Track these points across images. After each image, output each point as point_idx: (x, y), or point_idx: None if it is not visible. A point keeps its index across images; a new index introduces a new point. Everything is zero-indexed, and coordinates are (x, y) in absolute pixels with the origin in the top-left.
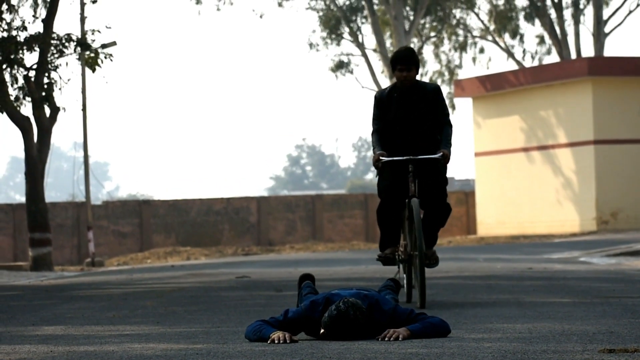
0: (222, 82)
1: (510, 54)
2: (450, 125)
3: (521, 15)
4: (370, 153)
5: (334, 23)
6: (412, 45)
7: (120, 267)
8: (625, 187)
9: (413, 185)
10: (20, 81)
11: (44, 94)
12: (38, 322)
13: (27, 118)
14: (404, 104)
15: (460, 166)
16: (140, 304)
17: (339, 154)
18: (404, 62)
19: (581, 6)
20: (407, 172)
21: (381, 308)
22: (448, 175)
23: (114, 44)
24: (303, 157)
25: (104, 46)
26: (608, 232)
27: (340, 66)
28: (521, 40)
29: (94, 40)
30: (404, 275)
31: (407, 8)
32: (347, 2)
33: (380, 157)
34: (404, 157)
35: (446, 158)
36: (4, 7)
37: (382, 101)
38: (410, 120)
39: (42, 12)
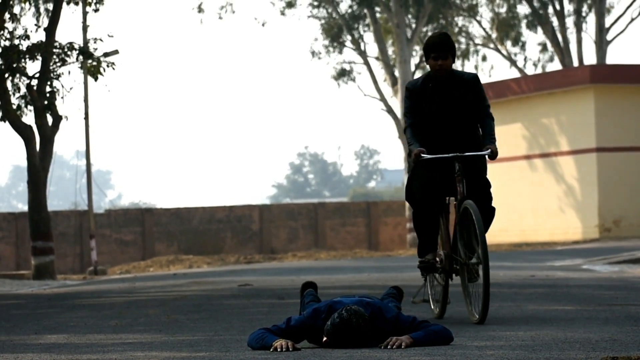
0: (225, 90)
1: (513, 62)
2: (492, 118)
3: (523, 23)
4: (372, 160)
5: (336, 31)
6: (414, 53)
7: (123, 275)
8: (627, 195)
9: (461, 185)
10: (23, 90)
11: (46, 102)
12: (40, 330)
13: (30, 127)
14: (440, 95)
15: None
16: (143, 312)
17: (342, 162)
18: (438, 49)
19: (583, 14)
20: (446, 171)
21: (384, 316)
22: None
23: (116, 52)
24: (305, 165)
25: (106, 55)
26: (610, 240)
27: (343, 74)
28: (523, 48)
29: (96, 49)
30: (435, 290)
31: (409, 16)
32: (349, 10)
33: (422, 155)
34: (450, 155)
35: (494, 154)
36: (7, 15)
37: (416, 92)
38: (448, 114)
39: (45, 21)
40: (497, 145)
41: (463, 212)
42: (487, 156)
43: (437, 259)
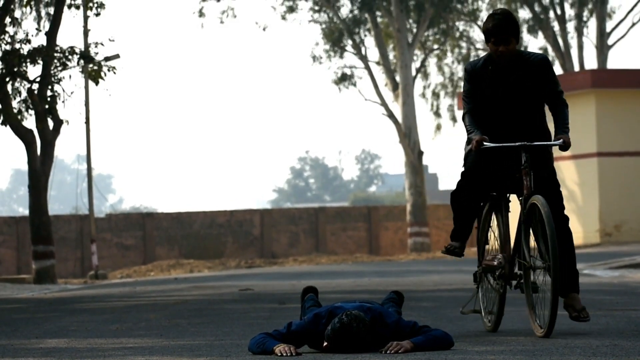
0: (226, 95)
1: None
2: (565, 105)
3: (524, 28)
4: (373, 165)
5: (337, 36)
6: (415, 58)
7: (124, 279)
8: (628, 200)
9: (528, 179)
10: (24, 94)
11: (47, 106)
12: (41, 335)
13: (31, 131)
14: (502, 79)
15: None
16: (144, 316)
17: (342, 167)
18: (497, 32)
19: (584, 19)
20: (509, 163)
21: (384, 321)
22: (451, 187)
23: (117, 56)
24: (306, 169)
25: (107, 59)
26: (611, 245)
27: (343, 79)
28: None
29: (97, 53)
30: (487, 298)
31: (410, 20)
32: (350, 15)
33: (484, 143)
34: (516, 144)
35: (567, 145)
36: (7, 19)
37: (475, 75)
38: (512, 99)
39: (46, 25)
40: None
41: (530, 210)
42: (558, 148)
43: (496, 263)
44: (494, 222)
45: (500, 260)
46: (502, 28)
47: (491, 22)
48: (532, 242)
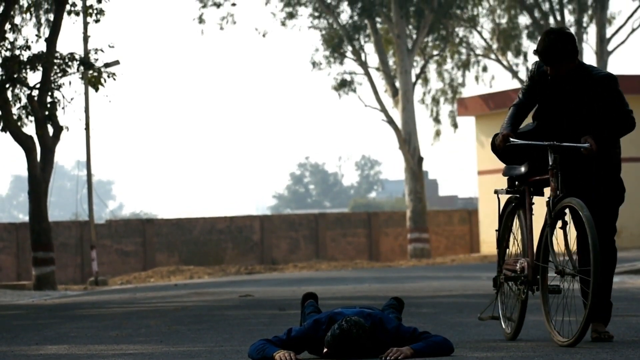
0: (226, 101)
1: (514, 73)
2: (627, 121)
3: (524, 34)
4: (373, 171)
5: (337, 42)
6: (414, 64)
7: (124, 286)
8: (628, 205)
9: (555, 181)
10: (24, 100)
11: (47, 113)
12: (41, 341)
13: (31, 137)
14: (560, 91)
15: (463, 185)
16: (144, 323)
17: (342, 173)
18: (545, 58)
19: (584, 24)
20: (540, 162)
21: (384, 327)
22: (451, 193)
23: (117, 63)
24: (306, 175)
25: (107, 65)
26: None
27: (343, 85)
28: (524, 58)
29: (97, 60)
30: (507, 305)
31: (410, 27)
32: (350, 21)
33: (510, 139)
34: (545, 142)
35: (592, 149)
36: (7, 26)
37: (536, 77)
38: (567, 109)
39: (46, 32)
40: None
41: (559, 212)
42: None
43: (518, 267)
44: (515, 225)
45: (523, 265)
46: (548, 54)
47: (541, 45)
48: (557, 247)
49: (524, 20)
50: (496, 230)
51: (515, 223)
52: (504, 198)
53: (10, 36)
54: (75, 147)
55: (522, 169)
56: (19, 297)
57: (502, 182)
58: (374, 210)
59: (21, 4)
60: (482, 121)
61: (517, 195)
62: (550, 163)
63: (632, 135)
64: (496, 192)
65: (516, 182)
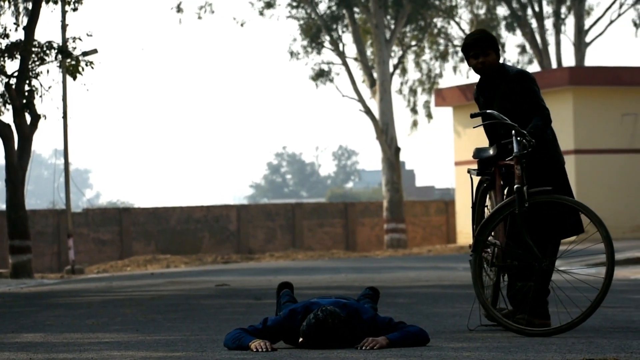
0: (203, 90)
1: None
2: (542, 114)
3: (502, 25)
4: (350, 161)
5: (315, 32)
6: (392, 54)
7: (100, 274)
8: (605, 197)
9: (520, 168)
10: (1, 88)
11: (24, 101)
12: (17, 329)
13: (8, 125)
14: (486, 92)
15: (440, 175)
16: (120, 311)
17: (319, 163)
18: (475, 46)
19: (562, 16)
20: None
21: (360, 317)
22: (428, 184)
23: (95, 51)
24: (283, 165)
25: (85, 54)
26: (588, 242)
27: (321, 75)
28: (502, 49)
29: (75, 48)
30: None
31: (388, 17)
32: (328, 11)
33: (471, 114)
34: (508, 122)
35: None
36: None
37: (475, 98)
38: (493, 105)
39: (24, 20)
40: (476, 147)
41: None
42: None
43: (489, 249)
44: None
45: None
46: (479, 41)
47: (468, 39)
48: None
49: (502, 11)
50: (472, 208)
51: (489, 202)
52: (477, 178)
53: None
54: (53, 135)
55: (491, 152)
56: None
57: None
58: (351, 200)
59: None
60: (459, 112)
61: (488, 177)
62: (515, 149)
63: (613, 129)
64: (469, 171)
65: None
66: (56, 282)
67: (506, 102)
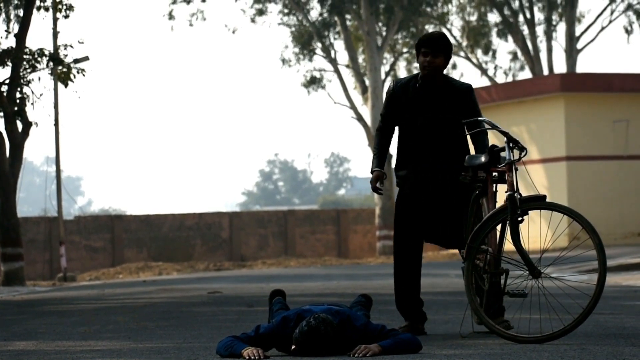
0: (195, 98)
1: (483, 71)
2: (485, 133)
3: (494, 32)
4: (342, 168)
5: (307, 39)
6: (384, 61)
7: (92, 282)
8: (597, 203)
9: (511, 175)
10: None
11: (16, 108)
12: (9, 337)
13: None
14: (424, 100)
15: None
16: (112, 319)
17: (311, 170)
18: (429, 44)
19: (554, 22)
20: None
21: (352, 324)
22: None
23: (86, 59)
24: (275, 172)
25: (76, 61)
26: (580, 249)
27: (313, 82)
28: (494, 56)
29: (66, 55)
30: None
31: (380, 24)
32: (320, 18)
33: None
34: (502, 129)
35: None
36: None
37: (395, 94)
38: (430, 123)
39: (15, 27)
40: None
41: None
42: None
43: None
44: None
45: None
46: (433, 40)
47: (425, 36)
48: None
49: (493, 18)
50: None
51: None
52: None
53: None
54: (45, 143)
55: (482, 159)
56: None
57: None
58: (343, 207)
59: None
60: None
61: (480, 185)
62: (507, 157)
63: (604, 135)
64: (460, 178)
65: (478, 171)
66: (48, 289)
67: (447, 113)
